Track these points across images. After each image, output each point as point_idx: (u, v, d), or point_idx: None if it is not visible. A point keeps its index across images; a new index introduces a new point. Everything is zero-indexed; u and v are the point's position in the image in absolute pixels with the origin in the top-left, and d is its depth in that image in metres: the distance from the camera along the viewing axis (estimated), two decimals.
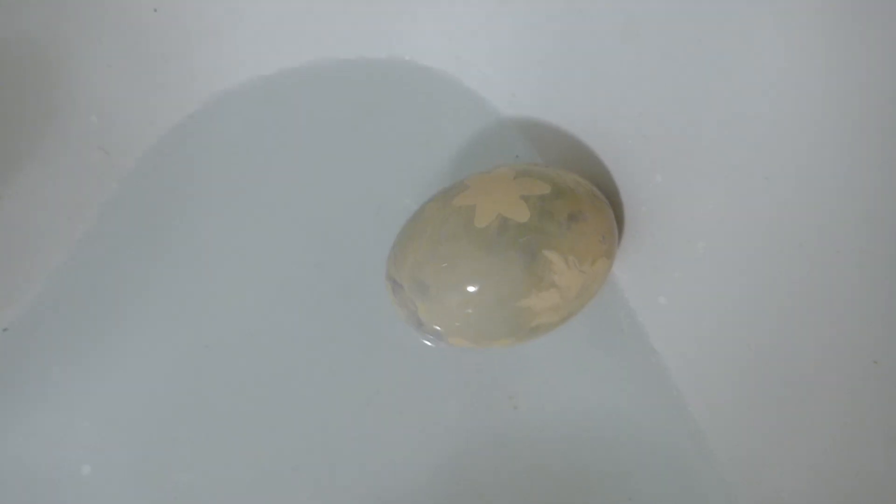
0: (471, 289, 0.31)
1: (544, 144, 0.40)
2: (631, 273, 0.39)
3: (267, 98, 0.43)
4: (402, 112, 0.42)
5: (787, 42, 0.29)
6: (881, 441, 0.29)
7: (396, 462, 0.39)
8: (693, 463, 0.37)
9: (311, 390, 0.40)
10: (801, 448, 0.32)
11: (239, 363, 0.40)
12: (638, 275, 0.39)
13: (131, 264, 0.41)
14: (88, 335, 0.40)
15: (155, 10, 0.40)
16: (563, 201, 0.32)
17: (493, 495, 0.38)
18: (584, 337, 0.39)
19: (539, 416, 0.39)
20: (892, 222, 0.27)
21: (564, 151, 0.39)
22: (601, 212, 0.34)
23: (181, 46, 0.41)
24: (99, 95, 0.41)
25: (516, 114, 0.41)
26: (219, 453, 0.39)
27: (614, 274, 0.39)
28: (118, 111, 0.41)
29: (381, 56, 0.42)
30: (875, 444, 0.29)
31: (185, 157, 0.42)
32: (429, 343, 0.38)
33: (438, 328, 0.33)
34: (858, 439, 0.30)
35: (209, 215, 0.42)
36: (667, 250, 0.37)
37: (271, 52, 0.42)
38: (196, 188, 0.42)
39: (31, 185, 0.40)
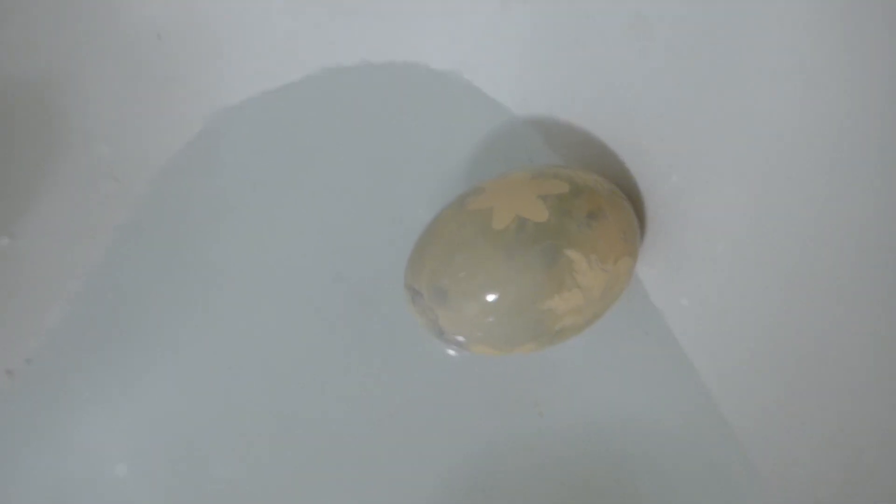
0: (491, 293, 0.31)
1: (558, 145, 0.40)
2: (654, 274, 0.38)
3: (275, 112, 0.43)
4: (412, 117, 0.42)
5: (805, 35, 0.29)
6: None
7: (419, 469, 0.39)
8: (724, 462, 0.36)
9: (334, 401, 0.40)
10: (835, 445, 0.32)
11: (262, 379, 0.40)
12: (661, 276, 0.38)
13: (150, 287, 0.41)
14: (108, 360, 0.40)
15: (159, 37, 0.40)
16: (582, 200, 0.32)
17: (519, 502, 0.38)
18: (609, 340, 0.38)
19: (565, 421, 0.38)
20: None
21: (579, 152, 0.39)
22: (621, 209, 0.33)
23: (185, 67, 0.41)
24: (107, 125, 0.41)
25: (529, 115, 0.41)
26: (247, 470, 0.39)
27: (637, 275, 0.38)
28: (127, 138, 0.42)
29: (387, 61, 0.42)
30: None
31: (197, 178, 0.42)
32: (452, 352, 0.38)
33: (460, 337, 0.32)
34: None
35: (224, 233, 0.42)
36: (688, 251, 0.36)
37: (276, 66, 0.42)
38: (209, 207, 0.42)
39: (46, 218, 0.40)
